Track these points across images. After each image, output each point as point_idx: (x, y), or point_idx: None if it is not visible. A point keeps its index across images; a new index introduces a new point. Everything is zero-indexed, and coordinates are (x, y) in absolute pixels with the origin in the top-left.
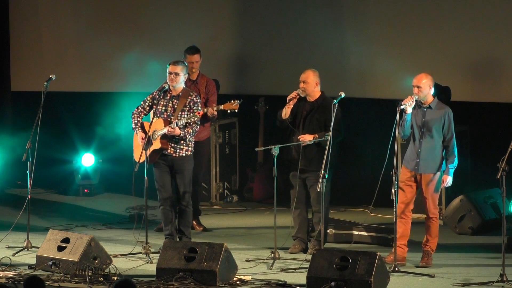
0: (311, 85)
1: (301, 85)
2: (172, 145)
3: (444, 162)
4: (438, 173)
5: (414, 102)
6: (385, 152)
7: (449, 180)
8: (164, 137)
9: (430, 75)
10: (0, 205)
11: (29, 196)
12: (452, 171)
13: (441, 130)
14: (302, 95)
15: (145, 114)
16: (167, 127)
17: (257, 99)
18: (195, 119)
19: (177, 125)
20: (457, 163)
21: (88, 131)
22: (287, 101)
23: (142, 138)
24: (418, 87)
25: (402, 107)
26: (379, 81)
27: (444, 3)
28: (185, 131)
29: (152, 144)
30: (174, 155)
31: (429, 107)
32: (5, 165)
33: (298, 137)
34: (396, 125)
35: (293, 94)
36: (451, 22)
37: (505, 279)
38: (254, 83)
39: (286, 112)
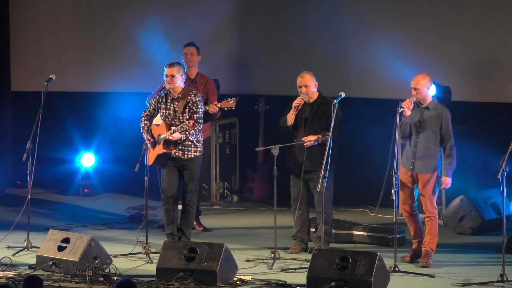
0: (311, 87)
1: (303, 90)
2: (180, 147)
3: (439, 162)
4: (435, 173)
5: (413, 105)
6: (385, 152)
7: (448, 182)
8: (166, 142)
9: (428, 75)
10: (0, 205)
11: (29, 196)
12: (451, 173)
13: (438, 131)
14: (306, 100)
15: (152, 117)
16: (167, 133)
17: (257, 99)
18: (186, 128)
19: (174, 132)
20: (456, 165)
21: (88, 131)
22: (293, 107)
23: (148, 140)
24: (415, 89)
25: (400, 110)
26: (379, 81)
27: (444, 3)
28: (186, 133)
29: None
30: (182, 157)
31: (427, 107)
32: (5, 165)
33: (302, 139)
34: (396, 126)
35: (299, 101)
36: (451, 22)
37: (505, 279)
38: (254, 83)
39: (291, 118)
